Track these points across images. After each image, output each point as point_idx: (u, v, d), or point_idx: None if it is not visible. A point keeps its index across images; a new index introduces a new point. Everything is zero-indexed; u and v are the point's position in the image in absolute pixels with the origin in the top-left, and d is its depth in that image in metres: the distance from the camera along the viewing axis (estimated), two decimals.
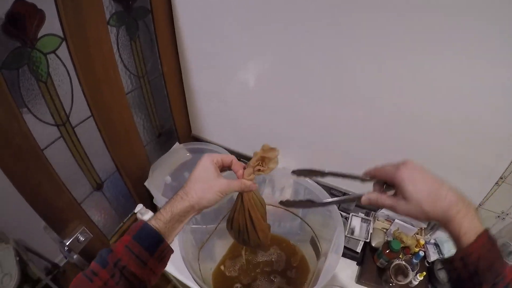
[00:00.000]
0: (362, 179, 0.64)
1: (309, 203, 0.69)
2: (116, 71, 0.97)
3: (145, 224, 0.58)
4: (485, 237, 0.52)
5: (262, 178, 1.16)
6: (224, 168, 0.68)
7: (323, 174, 0.69)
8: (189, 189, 0.62)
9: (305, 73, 0.97)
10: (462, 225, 0.52)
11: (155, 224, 0.58)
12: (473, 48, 0.73)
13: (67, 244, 0.97)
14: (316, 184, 1.03)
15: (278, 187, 1.16)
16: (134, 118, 1.12)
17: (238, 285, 1.01)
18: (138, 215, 1.16)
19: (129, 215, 1.31)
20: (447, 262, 0.56)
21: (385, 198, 0.59)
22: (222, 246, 1.12)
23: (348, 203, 0.69)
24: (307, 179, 1.04)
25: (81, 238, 1.02)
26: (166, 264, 0.61)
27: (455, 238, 0.54)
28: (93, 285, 0.52)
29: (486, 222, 1.13)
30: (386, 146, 0.99)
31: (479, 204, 1.05)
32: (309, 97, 1.01)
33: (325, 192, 1.00)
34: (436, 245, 1.20)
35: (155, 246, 0.57)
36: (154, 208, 1.27)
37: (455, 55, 0.75)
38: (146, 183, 1.16)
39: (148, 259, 0.56)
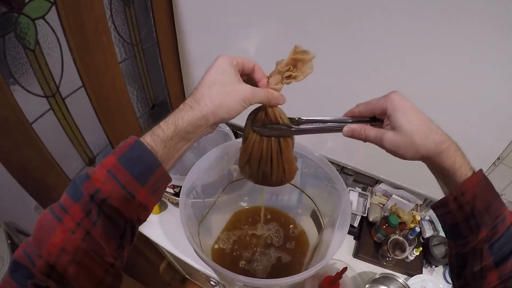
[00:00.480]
0: (343, 123, 0.56)
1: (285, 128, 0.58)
2: (109, 39, 0.89)
3: (137, 142, 0.43)
4: (480, 174, 0.48)
5: None
6: (243, 75, 0.53)
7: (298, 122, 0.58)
8: (202, 95, 0.47)
9: (310, 43, 0.91)
10: (456, 158, 0.48)
11: (151, 142, 0.44)
12: (479, 33, 0.71)
13: None
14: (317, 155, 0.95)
15: None
16: (128, 89, 1.06)
17: (243, 262, 1.00)
18: None
19: None
20: (439, 206, 0.52)
21: (370, 128, 0.53)
22: (221, 220, 1.10)
23: (327, 132, 0.59)
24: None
25: None
26: (161, 196, 0.48)
27: (448, 174, 0.49)
28: (62, 226, 0.40)
29: None
30: None
31: None
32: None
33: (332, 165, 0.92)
34: (431, 222, 1.23)
35: (148, 173, 0.43)
36: None
37: (461, 38, 0.74)
38: None
39: (137, 190, 0.43)
